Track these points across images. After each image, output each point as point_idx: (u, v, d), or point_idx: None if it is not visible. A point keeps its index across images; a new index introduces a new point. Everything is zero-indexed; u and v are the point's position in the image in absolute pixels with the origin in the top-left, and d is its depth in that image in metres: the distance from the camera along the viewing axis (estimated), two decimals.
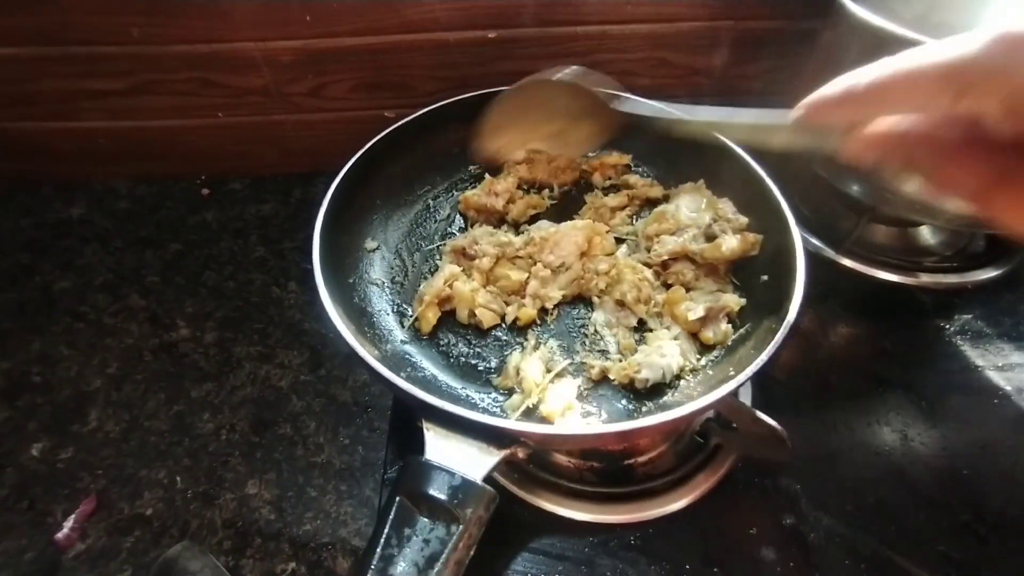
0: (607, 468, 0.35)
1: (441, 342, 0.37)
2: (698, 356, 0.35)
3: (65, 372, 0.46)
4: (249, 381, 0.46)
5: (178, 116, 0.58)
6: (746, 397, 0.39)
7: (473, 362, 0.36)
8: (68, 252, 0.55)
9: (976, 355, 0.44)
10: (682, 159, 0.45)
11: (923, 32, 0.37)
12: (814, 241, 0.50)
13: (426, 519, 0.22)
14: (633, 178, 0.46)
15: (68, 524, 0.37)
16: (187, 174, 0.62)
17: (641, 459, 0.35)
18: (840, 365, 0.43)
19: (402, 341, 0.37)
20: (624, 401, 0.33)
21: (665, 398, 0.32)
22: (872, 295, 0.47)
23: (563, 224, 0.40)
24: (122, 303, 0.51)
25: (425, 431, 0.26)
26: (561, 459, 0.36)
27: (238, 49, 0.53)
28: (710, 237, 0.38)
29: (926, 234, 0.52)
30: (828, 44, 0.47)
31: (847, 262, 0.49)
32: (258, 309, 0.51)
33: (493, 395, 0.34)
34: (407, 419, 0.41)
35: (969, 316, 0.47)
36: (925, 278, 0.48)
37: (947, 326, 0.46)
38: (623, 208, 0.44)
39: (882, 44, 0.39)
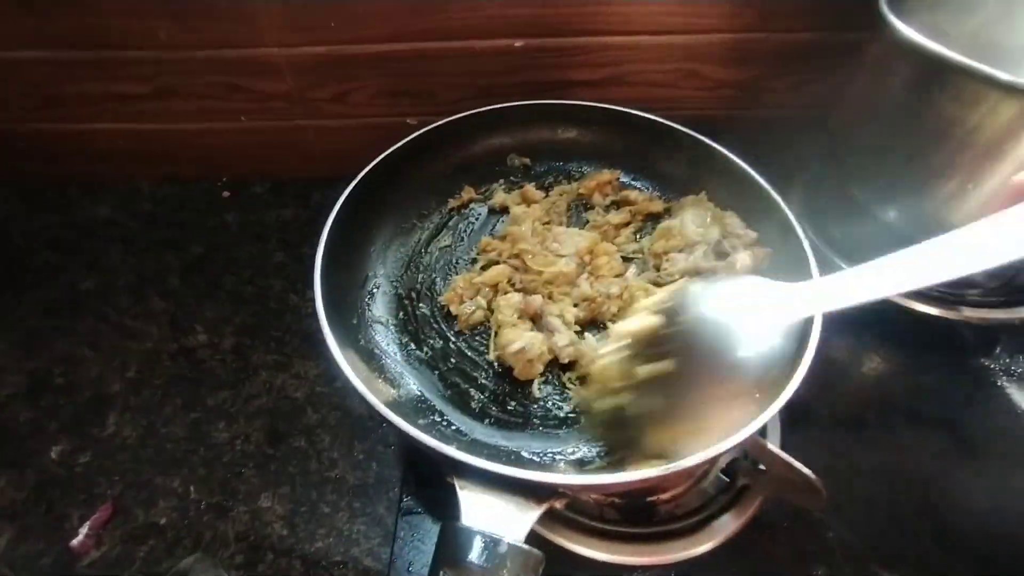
0: (628, 505, 0.34)
1: (455, 382, 0.35)
2: None
3: (87, 374, 0.46)
4: (265, 390, 0.46)
5: (202, 119, 0.58)
6: (774, 432, 0.38)
7: (499, 410, 0.34)
8: (93, 252, 0.55)
9: (1023, 398, 0.41)
10: (677, 172, 0.45)
11: (972, 53, 0.35)
12: (843, 266, 0.48)
13: None
14: (633, 193, 0.45)
15: (84, 530, 0.37)
16: (209, 176, 0.63)
17: (664, 496, 0.34)
18: (876, 402, 0.41)
19: (415, 385, 0.35)
20: None
21: None
22: (910, 328, 0.45)
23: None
24: (143, 305, 0.51)
25: (458, 490, 0.24)
26: (581, 495, 0.35)
27: (263, 54, 0.53)
28: (721, 254, 0.38)
29: None
30: (873, 62, 0.44)
31: None
32: (276, 316, 0.51)
33: (518, 439, 0.32)
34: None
35: (1016, 354, 0.44)
36: (968, 312, 0.45)
37: (991, 365, 0.44)
38: (627, 225, 0.43)
39: (932, 67, 0.37)
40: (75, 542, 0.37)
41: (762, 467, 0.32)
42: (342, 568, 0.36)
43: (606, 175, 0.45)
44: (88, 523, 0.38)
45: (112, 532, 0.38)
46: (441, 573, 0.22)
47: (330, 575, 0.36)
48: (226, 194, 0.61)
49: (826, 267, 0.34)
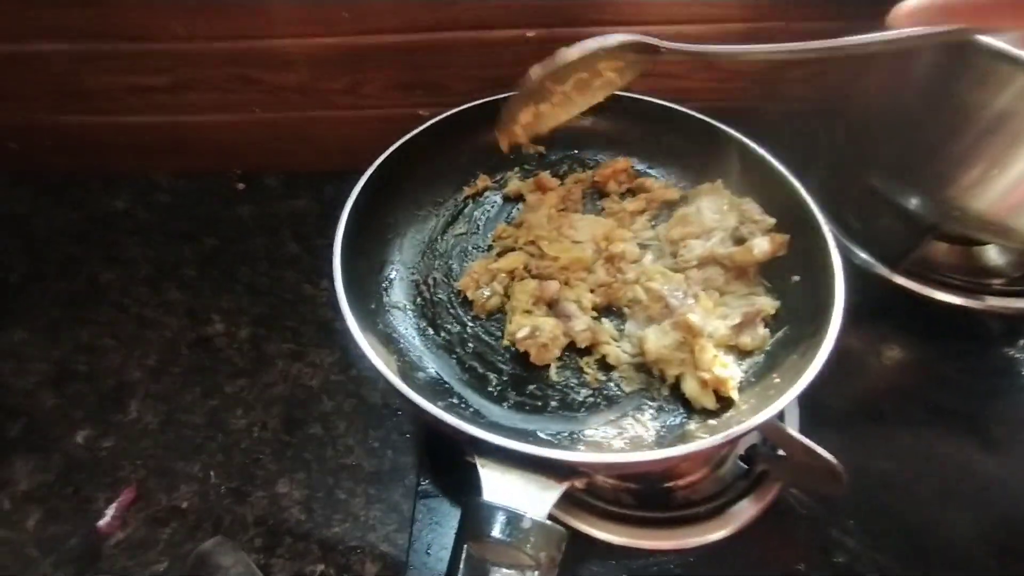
0: (645, 490, 0.34)
1: (472, 366, 0.35)
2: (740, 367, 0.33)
3: (109, 363, 0.47)
4: (281, 379, 0.46)
5: (217, 112, 0.58)
6: (792, 418, 0.37)
7: (517, 394, 0.34)
8: (113, 245, 0.56)
9: None
10: (693, 159, 0.44)
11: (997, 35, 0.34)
12: (864, 256, 0.48)
13: (499, 567, 0.22)
14: (648, 181, 0.45)
15: (110, 512, 0.38)
16: (223, 169, 0.63)
17: (681, 482, 0.34)
18: (896, 392, 0.41)
19: (434, 368, 0.35)
20: (667, 415, 0.32)
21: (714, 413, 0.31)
22: (931, 318, 0.44)
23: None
24: (162, 296, 0.52)
25: (480, 467, 0.25)
26: (598, 479, 0.35)
27: (277, 46, 0.53)
28: (738, 240, 0.37)
29: (993, 254, 0.48)
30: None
31: (902, 281, 0.46)
32: (290, 306, 0.51)
33: (536, 421, 0.32)
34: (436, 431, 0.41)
35: None
36: (992, 301, 0.44)
37: (1016, 355, 0.43)
38: (642, 212, 0.43)
39: (955, 50, 0.36)
40: (101, 523, 0.38)
41: (781, 453, 0.32)
42: (359, 553, 0.37)
43: (621, 163, 0.45)
44: (113, 505, 0.38)
45: (136, 514, 0.39)
46: (465, 547, 0.22)
47: (347, 559, 0.37)
48: (240, 186, 0.62)
49: (845, 255, 0.34)
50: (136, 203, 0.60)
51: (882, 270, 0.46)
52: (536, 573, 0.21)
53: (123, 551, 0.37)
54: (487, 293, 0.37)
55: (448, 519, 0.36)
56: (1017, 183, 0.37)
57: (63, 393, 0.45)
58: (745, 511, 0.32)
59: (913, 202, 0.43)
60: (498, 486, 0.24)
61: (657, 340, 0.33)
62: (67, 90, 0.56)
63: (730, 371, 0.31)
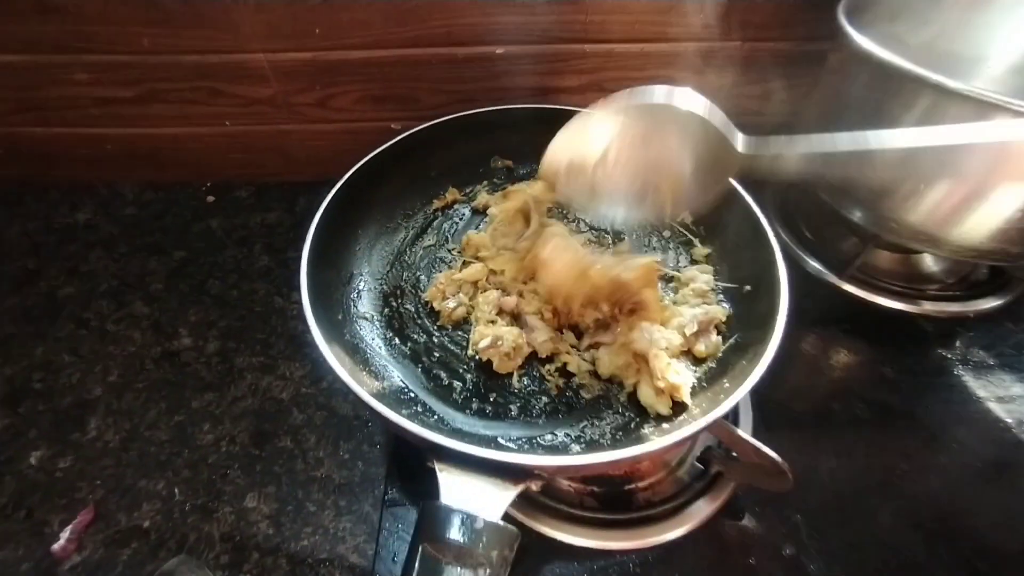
0: (607, 493, 0.35)
1: (436, 375, 0.36)
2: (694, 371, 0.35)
3: (67, 379, 0.46)
4: (250, 392, 0.46)
5: (185, 124, 0.58)
6: (746, 421, 0.39)
7: (480, 401, 0.35)
8: (73, 258, 0.55)
9: (978, 386, 0.44)
10: None
11: (929, 62, 0.38)
12: (815, 264, 0.50)
13: (452, 566, 0.22)
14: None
15: (65, 535, 0.37)
16: (193, 181, 0.63)
17: (641, 484, 0.35)
18: (842, 391, 0.43)
19: (399, 377, 0.36)
20: (623, 420, 0.33)
21: (667, 415, 0.33)
22: (874, 321, 0.47)
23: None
24: (126, 310, 0.51)
25: (438, 472, 0.25)
26: (562, 484, 0.36)
27: (247, 60, 0.53)
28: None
29: (929, 262, 0.52)
30: (834, 70, 0.47)
31: (849, 288, 0.49)
32: (261, 319, 0.51)
33: (497, 427, 0.34)
34: (403, 440, 0.41)
35: (971, 346, 0.47)
36: (928, 306, 0.48)
37: (949, 355, 0.46)
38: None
39: (886, 75, 0.39)
40: (56, 547, 0.36)
41: (735, 455, 0.33)
42: (328, 566, 0.37)
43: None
44: (69, 527, 0.37)
45: (94, 536, 0.37)
46: (420, 548, 0.23)
47: (316, 573, 0.36)
48: (210, 199, 0.62)
49: (793, 264, 0.36)
50: (99, 215, 0.59)
51: (831, 277, 0.49)
52: (488, 571, 0.22)
53: (79, 574, 0.36)
54: (452, 304, 0.38)
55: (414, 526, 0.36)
56: (943, 198, 0.40)
57: (16, 412, 0.44)
58: (701, 510, 0.34)
59: (856, 214, 0.46)
60: (456, 489, 0.25)
61: (610, 361, 0.34)
62: (28, 101, 0.55)
63: (682, 377, 0.32)
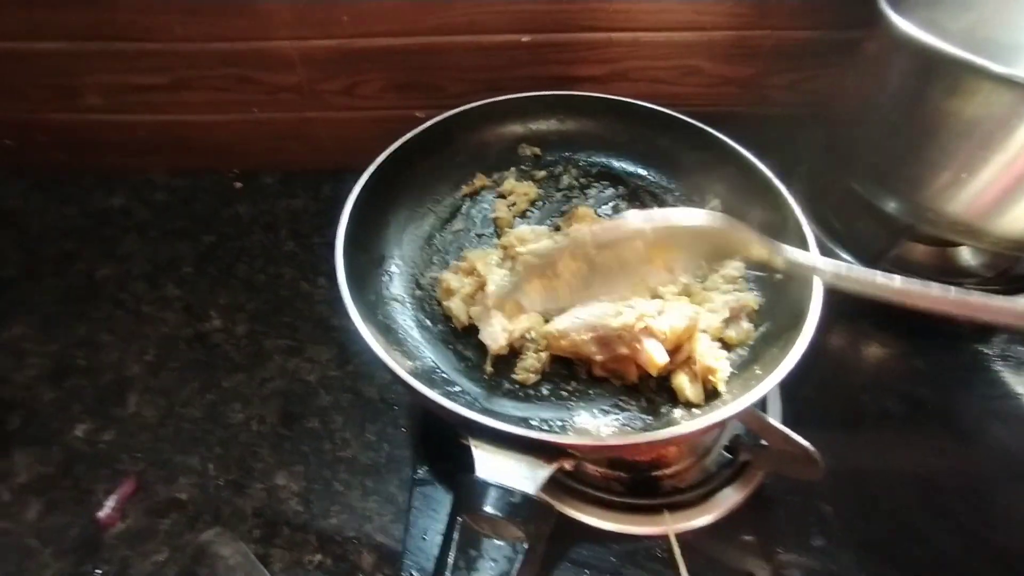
0: (634, 479, 0.36)
1: (467, 356, 0.36)
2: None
3: (107, 357, 0.48)
4: (278, 374, 0.47)
5: (214, 111, 0.59)
6: (775, 412, 0.39)
7: (511, 383, 0.35)
8: (109, 241, 0.57)
9: (1017, 382, 0.43)
10: (682, 161, 0.46)
11: (969, 48, 0.37)
12: (845, 257, 0.49)
13: (490, 538, 0.23)
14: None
15: (109, 503, 0.39)
16: (221, 167, 0.64)
17: (668, 471, 0.36)
18: (873, 385, 0.43)
19: (431, 358, 0.36)
20: (654, 405, 0.33)
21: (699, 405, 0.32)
22: (907, 315, 0.46)
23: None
24: (159, 292, 0.53)
25: (473, 448, 0.26)
26: (588, 468, 0.36)
27: (276, 48, 0.54)
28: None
29: (967, 255, 0.51)
30: (871, 57, 0.46)
31: None
32: (287, 303, 0.52)
33: (528, 408, 0.34)
34: (433, 420, 0.42)
35: (1011, 342, 0.46)
36: None
37: (986, 351, 0.45)
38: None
39: (929, 61, 0.38)
40: (101, 514, 0.38)
41: (763, 443, 0.33)
42: (355, 543, 0.38)
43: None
44: (113, 497, 0.39)
45: (136, 505, 0.39)
46: (459, 520, 0.23)
47: (343, 550, 0.38)
48: (238, 185, 0.63)
49: (826, 255, 0.35)
50: (133, 200, 0.61)
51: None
52: (525, 544, 0.23)
53: (123, 541, 0.38)
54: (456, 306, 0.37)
55: (442, 506, 0.37)
56: (986, 187, 0.39)
57: (62, 387, 0.46)
58: (729, 498, 0.34)
59: (890, 204, 0.45)
60: (491, 465, 0.25)
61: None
62: (64, 88, 0.57)
63: (721, 363, 0.32)
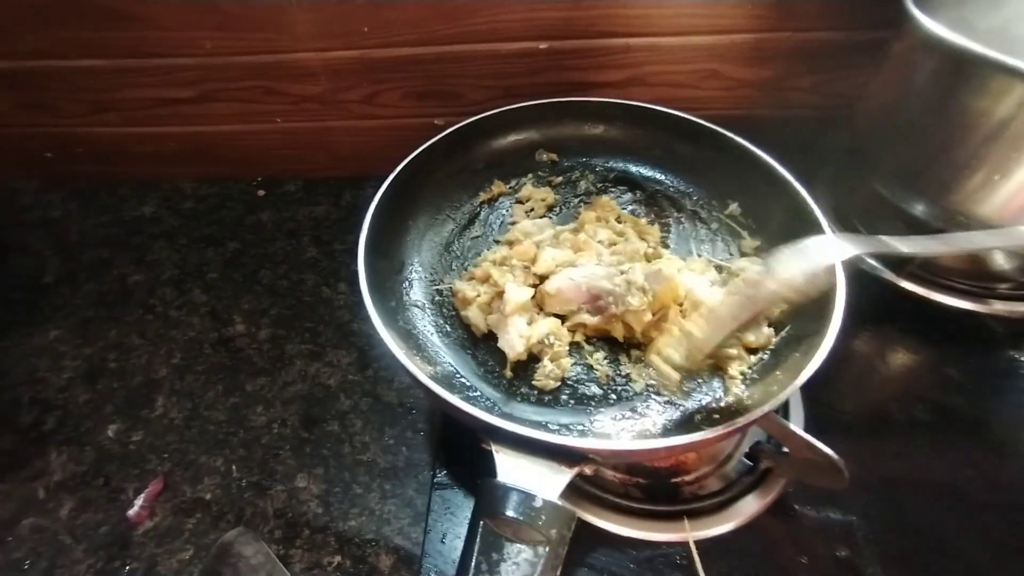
0: (653, 485, 0.35)
1: (486, 361, 0.37)
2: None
3: (137, 360, 0.49)
4: (300, 378, 0.48)
5: (240, 121, 0.61)
6: (797, 418, 0.38)
7: (530, 388, 0.35)
8: (140, 248, 0.59)
9: None
10: (702, 166, 0.45)
11: (998, 47, 0.35)
12: (870, 261, 0.48)
13: (512, 542, 0.23)
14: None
15: (139, 502, 0.40)
16: (245, 176, 0.66)
17: (688, 478, 0.35)
18: (901, 393, 0.41)
19: (451, 363, 0.37)
20: (674, 410, 0.33)
21: (717, 406, 0.32)
22: (937, 321, 0.45)
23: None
24: (186, 297, 0.54)
25: (495, 453, 0.26)
26: (607, 473, 0.36)
27: (300, 59, 0.55)
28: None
29: (1000, 259, 0.49)
30: (897, 57, 0.45)
31: (908, 285, 0.46)
32: (309, 308, 0.53)
33: (547, 413, 0.34)
34: (452, 424, 0.42)
35: None
36: (998, 306, 0.45)
37: (1020, 357, 0.43)
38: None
39: (958, 62, 0.37)
40: (131, 512, 0.39)
41: (785, 450, 0.32)
42: (374, 546, 0.38)
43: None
44: (142, 495, 0.40)
45: (163, 504, 0.40)
46: (481, 524, 0.23)
47: (363, 551, 0.38)
48: (261, 193, 0.65)
49: (846, 260, 0.34)
50: (162, 209, 0.63)
51: (888, 275, 0.47)
52: (546, 548, 0.23)
53: (151, 539, 0.39)
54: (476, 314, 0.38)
55: (462, 510, 0.37)
56: (1019, 188, 0.38)
57: (95, 388, 0.47)
58: (750, 506, 0.33)
59: (918, 208, 0.44)
60: (512, 470, 0.25)
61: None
62: (101, 103, 0.59)
63: (739, 356, 0.32)
